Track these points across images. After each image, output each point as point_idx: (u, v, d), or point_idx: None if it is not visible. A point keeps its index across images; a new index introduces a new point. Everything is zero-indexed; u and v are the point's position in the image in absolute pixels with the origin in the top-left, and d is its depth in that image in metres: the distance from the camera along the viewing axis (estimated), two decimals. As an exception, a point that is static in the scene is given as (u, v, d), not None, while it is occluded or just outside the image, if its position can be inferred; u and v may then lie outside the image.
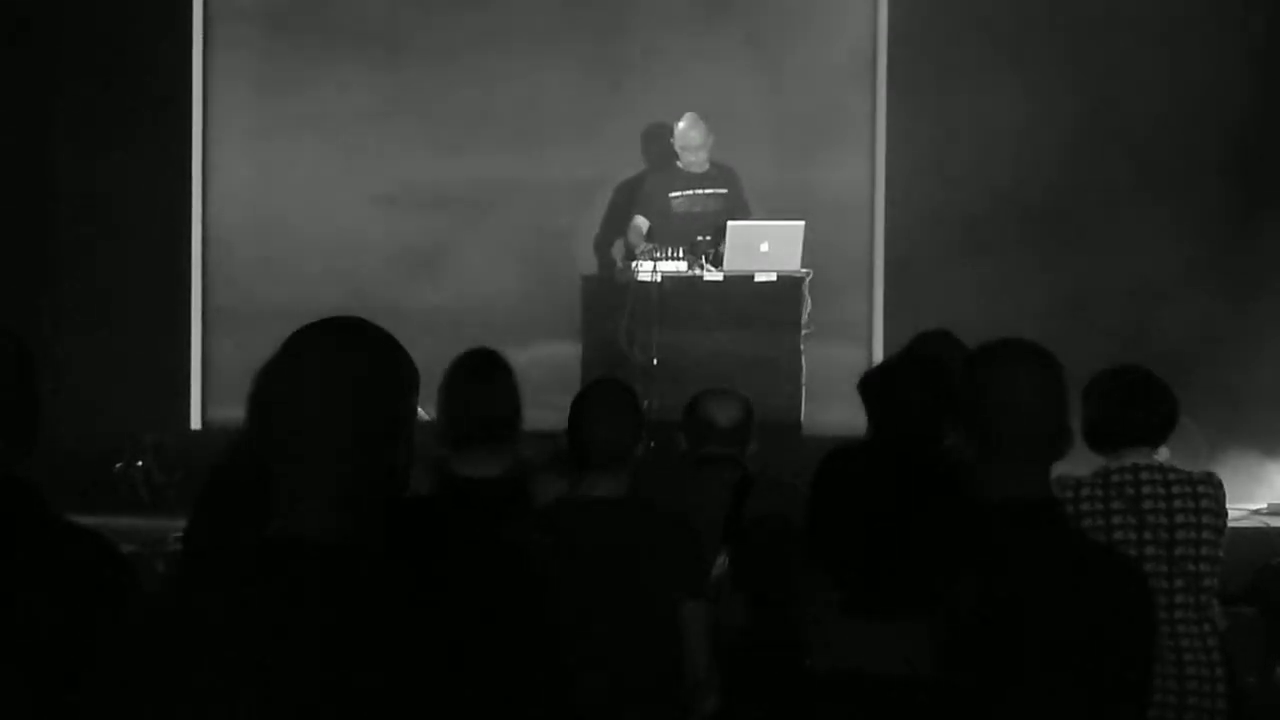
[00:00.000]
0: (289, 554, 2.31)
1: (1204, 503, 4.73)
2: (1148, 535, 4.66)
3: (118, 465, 9.52)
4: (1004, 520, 3.03)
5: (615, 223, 10.18)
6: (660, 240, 9.47)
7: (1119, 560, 3.39)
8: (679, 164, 9.75)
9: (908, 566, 3.41)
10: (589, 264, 10.32)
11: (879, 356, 10.06)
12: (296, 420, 2.35)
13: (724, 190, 9.69)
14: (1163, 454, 4.91)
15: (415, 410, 2.43)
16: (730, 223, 9.29)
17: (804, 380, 9.20)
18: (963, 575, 3.08)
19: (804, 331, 9.30)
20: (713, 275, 9.22)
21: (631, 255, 9.58)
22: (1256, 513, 9.21)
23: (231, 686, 2.25)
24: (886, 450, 3.61)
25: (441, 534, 2.40)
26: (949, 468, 3.32)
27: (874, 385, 3.93)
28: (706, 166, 9.70)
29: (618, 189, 10.26)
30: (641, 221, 9.74)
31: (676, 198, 9.69)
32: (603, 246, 10.31)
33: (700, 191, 9.69)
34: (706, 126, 9.67)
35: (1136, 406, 4.74)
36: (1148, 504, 4.69)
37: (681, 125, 9.72)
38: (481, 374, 4.87)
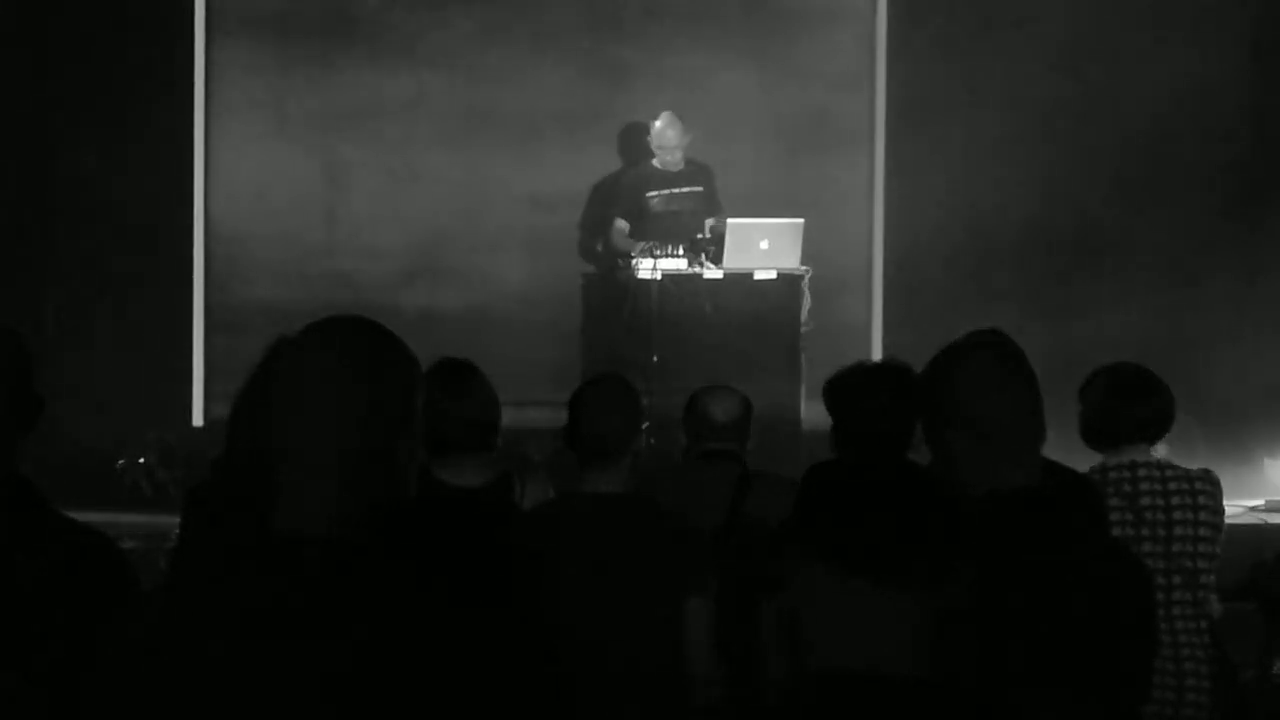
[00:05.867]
0: (290, 551, 2.32)
1: (1201, 499, 4.73)
2: (1145, 532, 4.67)
3: (120, 462, 9.52)
4: (993, 511, 3.05)
5: (594, 223, 10.14)
6: (639, 240, 9.47)
7: (1116, 547, 3.40)
8: (655, 163, 9.69)
9: (900, 541, 3.44)
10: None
11: (879, 354, 10.07)
12: (297, 418, 2.36)
13: (699, 188, 9.64)
14: (1160, 450, 4.92)
15: (418, 408, 2.42)
16: (730, 220, 9.27)
17: (804, 377, 9.20)
18: (957, 565, 3.10)
19: (803, 329, 9.30)
20: (712, 273, 9.21)
21: (616, 256, 9.56)
22: (1254, 509, 9.21)
23: (231, 683, 2.27)
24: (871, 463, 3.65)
25: (438, 534, 2.40)
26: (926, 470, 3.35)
27: (838, 389, 3.96)
28: (682, 165, 9.65)
29: (594, 189, 10.20)
30: (623, 224, 9.69)
31: (653, 197, 9.63)
32: (585, 247, 10.25)
33: (676, 190, 9.63)
34: (684, 125, 9.61)
35: (1133, 403, 4.74)
36: (1145, 500, 4.70)
37: (658, 124, 9.64)
38: (453, 384, 4.74)
